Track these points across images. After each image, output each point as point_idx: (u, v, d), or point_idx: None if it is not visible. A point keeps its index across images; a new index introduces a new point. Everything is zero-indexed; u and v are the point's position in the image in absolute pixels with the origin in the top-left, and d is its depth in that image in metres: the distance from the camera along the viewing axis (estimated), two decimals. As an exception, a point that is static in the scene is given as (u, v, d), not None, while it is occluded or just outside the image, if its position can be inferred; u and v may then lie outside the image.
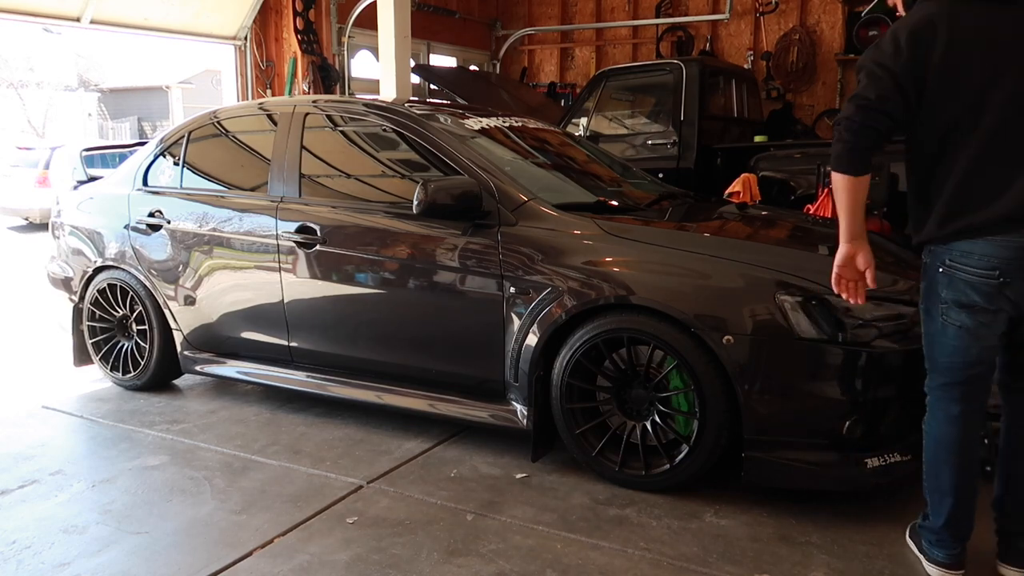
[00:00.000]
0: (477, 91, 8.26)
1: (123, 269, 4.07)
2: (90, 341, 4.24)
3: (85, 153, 4.99)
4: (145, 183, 4.10)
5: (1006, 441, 2.30)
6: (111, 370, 4.18)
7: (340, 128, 3.71)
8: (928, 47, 2.05)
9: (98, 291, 4.18)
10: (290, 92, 8.14)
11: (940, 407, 2.24)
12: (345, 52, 8.55)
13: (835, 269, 2.22)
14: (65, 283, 4.39)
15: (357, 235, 3.37)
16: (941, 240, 2.13)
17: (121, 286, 4.10)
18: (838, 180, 2.15)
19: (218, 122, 4.03)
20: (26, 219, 12.76)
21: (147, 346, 4.05)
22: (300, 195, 3.55)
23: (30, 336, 5.41)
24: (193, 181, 3.98)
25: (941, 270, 2.14)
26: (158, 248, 3.93)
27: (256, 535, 2.62)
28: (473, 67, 10.48)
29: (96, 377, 4.31)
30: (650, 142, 6.56)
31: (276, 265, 3.56)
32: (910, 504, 2.74)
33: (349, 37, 8.49)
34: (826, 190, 4.97)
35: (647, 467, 2.86)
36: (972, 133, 2.06)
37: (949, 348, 2.18)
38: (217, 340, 3.89)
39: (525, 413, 3.03)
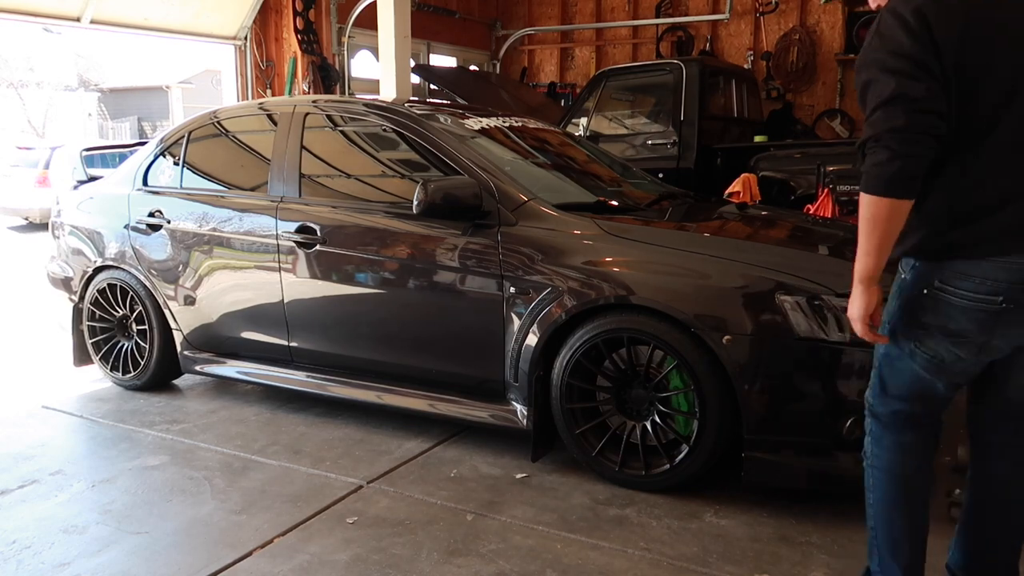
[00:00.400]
0: (477, 91, 8.26)
1: (123, 269, 4.07)
2: (90, 341, 4.24)
3: (85, 153, 4.97)
4: (145, 183, 4.10)
5: (975, 497, 1.99)
6: (111, 370, 4.18)
7: (340, 128, 3.71)
8: (941, 28, 1.68)
9: (98, 291, 4.18)
10: (290, 92, 8.14)
11: (889, 434, 1.95)
12: (345, 52, 8.55)
13: (860, 321, 1.84)
14: (65, 283, 4.39)
15: (357, 235, 3.37)
16: (932, 256, 1.79)
17: (121, 286, 4.10)
18: (878, 206, 1.70)
19: (218, 122, 4.03)
20: (26, 219, 12.77)
21: (147, 346, 4.05)
22: (300, 195, 3.55)
23: (30, 336, 5.41)
24: (193, 181, 3.98)
25: (926, 291, 1.80)
26: (158, 248, 3.93)
27: (256, 535, 2.62)
28: (473, 67, 10.48)
29: (96, 377, 4.31)
30: (650, 142, 6.57)
31: (276, 265, 3.56)
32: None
33: (349, 37, 8.49)
34: (826, 190, 4.97)
35: (647, 467, 2.86)
36: (989, 130, 1.72)
37: (910, 377, 1.88)
38: (217, 340, 3.89)
39: (525, 413, 3.03)
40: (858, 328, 1.85)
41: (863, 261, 1.78)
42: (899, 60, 1.68)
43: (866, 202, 1.71)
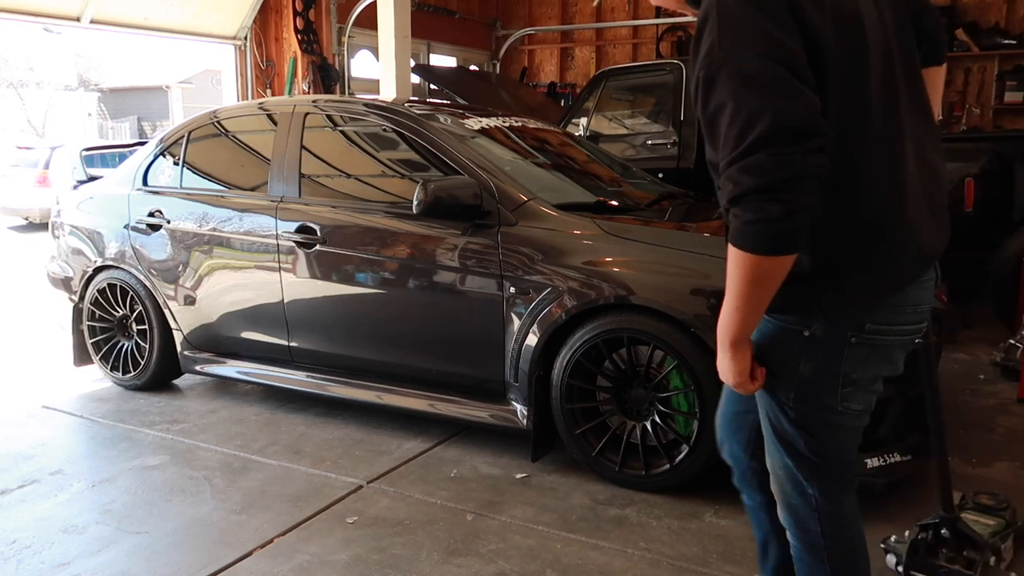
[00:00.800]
0: (477, 91, 8.26)
1: (123, 269, 4.07)
2: (90, 341, 4.24)
3: (85, 153, 4.96)
4: (145, 183, 4.10)
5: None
6: (111, 370, 4.18)
7: (340, 128, 3.71)
8: (814, 11, 1.30)
9: (98, 291, 4.18)
10: (290, 92, 8.15)
11: (845, 504, 1.60)
12: (345, 52, 8.55)
13: (743, 385, 1.50)
14: (65, 283, 4.39)
15: (357, 235, 3.37)
16: (866, 300, 1.44)
17: (121, 286, 4.10)
18: (768, 265, 1.32)
19: (218, 122, 4.03)
20: (26, 219, 12.77)
21: (147, 346, 4.05)
22: (300, 195, 3.55)
23: (30, 336, 5.41)
24: (193, 181, 3.97)
25: (855, 340, 1.45)
26: (158, 248, 3.93)
27: (256, 535, 2.62)
28: (473, 67, 10.48)
29: (96, 377, 4.31)
30: (650, 142, 6.55)
31: (276, 265, 3.56)
32: (910, 505, 2.74)
33: (349, 37, 8.49)
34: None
35: (647, 467, 2.86)
36: (885, 129, 1.40)
37: (845, 436, 1.56)
38: (217, 340, 3.89)
39: (525, 413, 3.03)
40: (745, 390, 1.52)
41: (742, 322, 1.41)
42: (769, 67, 1.24)
43: (750, 262, 1.32)
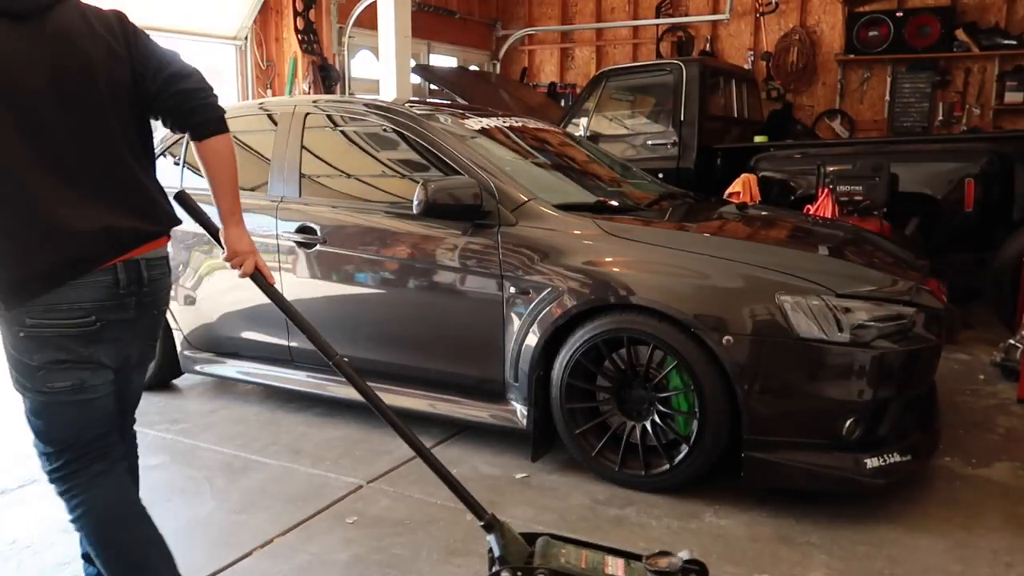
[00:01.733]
0: (477, 91, 8.26)
1: (123, 269, 4.07)
2: (90, 341, 4.24)
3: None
4: (145, 183, 4.10)
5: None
6: (111, 370, 4.17)
7: (340, 128, 3.71)
8: None
9: (98, 291, 4.17)
10: (290, 92, 8.14)
11: (80, 481, 1.87)
12: (345, 52, 8.55)
13: None
14: (65, 283, 4.38)
15: (357, 235, 3.37)
16: (15, 301, 1.72)
17: (121, 286, 4.09)
18: None
19: (218, 122, 4.03)
20: (26, 219, 12.74)
21: (147, 346, 4.05)
22: (300, 195, 3.56)
23: (30, 336, 5.41)
24: (193, 181, 3.97)
25: (22, 334, 1.74)
26: (158, 248, 3.93)
27: (256, 535, 2.62)
28: (473, 67, 10.48)
29: (96, 377, 4.31)
30: (650, 142, 6.56)
31: (276, 265, 3.56)
32: (910, 504, 2.75)
33: (349, 37, 8.49)
34: (826, 190, 4.98)
35: (647, 467, 2.86)
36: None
37: (65, 417, 1.83)
38: (217, 340, 3.89)
39: (525, 413, 3.04)
40: None
41: None
42: None
43: None
